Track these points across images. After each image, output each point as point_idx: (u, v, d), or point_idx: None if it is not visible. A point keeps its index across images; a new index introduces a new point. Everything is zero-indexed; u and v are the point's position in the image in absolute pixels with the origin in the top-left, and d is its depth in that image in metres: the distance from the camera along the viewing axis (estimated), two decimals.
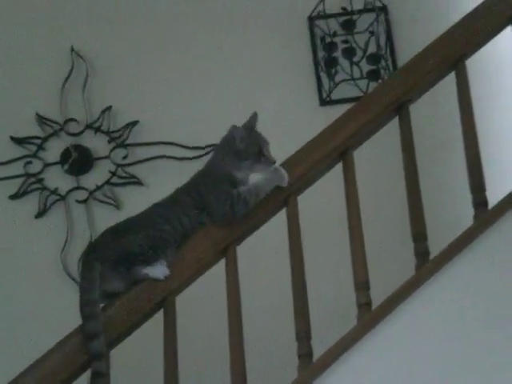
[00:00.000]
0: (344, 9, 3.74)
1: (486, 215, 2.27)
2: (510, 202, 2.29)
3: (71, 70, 3.69)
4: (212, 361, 2.96)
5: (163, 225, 2.17)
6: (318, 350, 2.17)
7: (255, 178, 2.27)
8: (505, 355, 2.15)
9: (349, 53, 3.70)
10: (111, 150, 3.63)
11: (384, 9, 3.77)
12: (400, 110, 2.38)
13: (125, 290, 2.13)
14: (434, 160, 3.44)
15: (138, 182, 3.59)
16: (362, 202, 2.31)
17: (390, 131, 2.44)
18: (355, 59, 3.70)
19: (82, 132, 3.65)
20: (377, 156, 3.32)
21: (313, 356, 2.18)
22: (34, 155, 3.61)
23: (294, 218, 2.28)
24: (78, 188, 3.59)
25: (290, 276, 2.25)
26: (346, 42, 3.72)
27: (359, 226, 2.28)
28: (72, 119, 3.66)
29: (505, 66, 3.61)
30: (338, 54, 3.71)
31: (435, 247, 2.25)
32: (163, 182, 3.44)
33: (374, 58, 3.70)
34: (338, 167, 2.36)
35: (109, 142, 3.64)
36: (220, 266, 2.25)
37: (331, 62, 3.70)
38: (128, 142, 3.64)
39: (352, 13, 3.73)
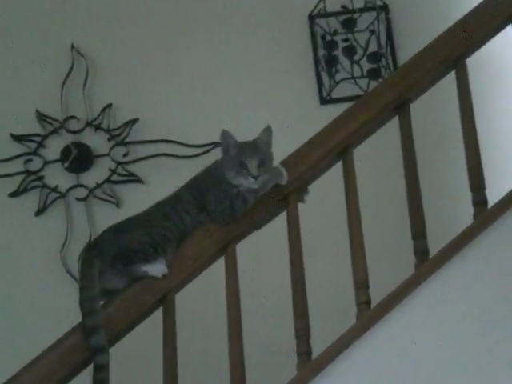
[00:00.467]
0: (344, 7, 3.74)
1: (485, 214, 2.27)
2: (510, 200, 2.29)
3: (71, 68, 3.69)
4: (211, 358, 2.96)
5: (164, 222, 2.18)
6: (317, 348, 2.17)
7: None
8: (505, 354, 2.15)
9: (349, 51, 3.70)
10: (111, 148, 3.63)
11: (385, 7, 3.77)
12: (400, 108, 2.38)
13: (124, 287, 2.13)
14: (434, 159, 3.44)
15: (138, 180, 3.59)
16: (361, 200, 2.31)
17: (390, 130, 2.44)
18: (356, 58, 3.70)
19: (82, 129, 3.65)
20: (377, 155, 3.32)
21: (312, 354, 2.18)
22: (34, 153, 3.61)
23: (294, 216, 2.28)
24: (78, 186, 3.59)
25: (289, 274, 2.25)
26: (346, 40, 3.72)
27: (359, 225, 2.27)
28: (72, 117, 3.66)
29: (505, 65, 3.61)
30: (338, 52, 3.71)
31: (435, 246, 2.25)
32: (163, 179, 3.45)
33: (375, 57, 3.70)
34: (338, 166, 2.36)
35: (109, 139, 3.64)
36: (220, 264, 2.25)
37: (332, 61, 3.70)
38: (128, 139, 3.64)
39: (353, 11, 3.73)
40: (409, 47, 3.29)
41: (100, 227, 3.39)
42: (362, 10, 3.74)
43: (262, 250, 3.23)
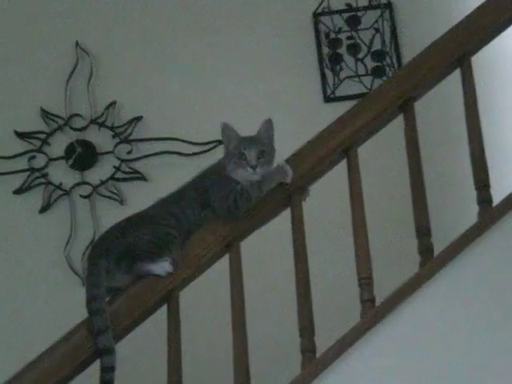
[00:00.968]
0: (349, 5, 3.74)
1: (490, 212, 2.27)
2: None
3: (76, 65, 3.70)
4: (215, 356, 2.97)
5: (169, 220, 2.18)
6: (322, 346, 2.18)
7: None
8: (509, 353, 2.14)
9: (353, 49, 3.69)
10: (115, 146, 3.63)
11: (389, 5, 3.77)
12: (405, 106, 2.38)
13: (128, 284, 2.13)
14: (439, 156, 3.44)
15: (142, 178, 3.59)
16: (365, 198, 2.31)
17: (394, 128, 2.44)
18: (360, 56, 3.70)
19: (86, 127, 3.65)
20: (381, 152, 3.32)
21: (316, 352, 2.18)
22: (39, 150, 3.62)
23: (298, 214, 2.28)
24: (82, 183, 3.59)
25: (293, 271, 2.25)
26: (350, 38, 3.71)
27: (363, 222, 2.27)
28: (76, 114, 3.66)
29: (510, 63, 3.60)
30: (342, 50, 3.71)
31: (439, 244, 2.25)
32: (167, 177, 3.45)
33: (379, 55, 3.69)
34: (343, 163, 2.36)
35: (113, 137, 3.65)
36: (224, 262, 2.25)
37: (336, 59, 3.70)
38: (132, 137, 3.64)
39: (357, 9, 3.73)
40: (413, 45, 3.28)
41: (104, 224, 3.39)
42: (366, 8, 3.73)
43: (267, 248, 3.23)
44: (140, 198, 3.21)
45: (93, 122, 3.65)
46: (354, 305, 2.27)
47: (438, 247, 2.25)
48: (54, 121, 3.65)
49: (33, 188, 3.58)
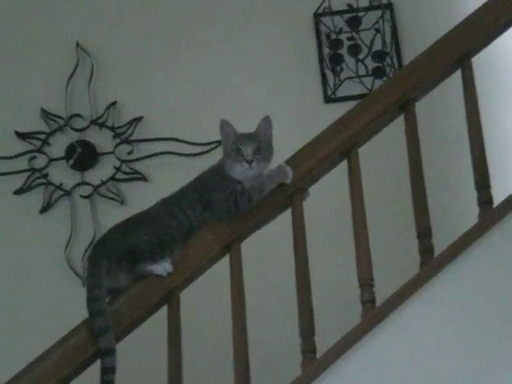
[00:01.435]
0: (350, 6, 3.74)
1: (491, 213, 2.27)
2: None
3: (76, 66, 3.70)
4: (215, 356, 2.97)
5: (170, 221, 2.18)
6: (322, 346, 2.18)
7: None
8: (509, 354, 2.14)
9: (354, 50, 3.69)
10: (116, 146, 3.63)
11: (390, 6, 3.77)
12: (405, 107, 2.38)
13: (129, 284, 2.13)
14: (440, 157, 3.44)
15: (142, 178, 3.59)
16: (366, 198, 2.31)
17: (395, 128, 2.43)
18: (360, 56, 3.70)
19: (86, 127, 3.65)
20: (382, 153, 3.31)
21: (316, 352, 2.18)
22: (39, 150, 3.62)
23: (299, 215, 2.28)
24: (82, 183, 3.59)
25: (294, 272, 2.25)
26: (351, 39, 3.72)
27: (364, 223, 2.27)
28: (77, 114, 3.66)
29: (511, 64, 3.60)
30: (343, 51, 3.71)
31: (440, 245, 2.25)
32: (168, 177, 3.46)
33: (380, 56, 3.69)
34: (343, 164, 2.36)
35: (113, 137, 3.65)
36: (224, 262, 2.25)
37: (336, 59, 3.70)
38: (133, 137, 3.64)
39: (358, 10, 3.72)
40: (414, 46, 3.29)
41: (104, 225, 3.40)
42: (367, 9, 3.73)
43: (267, 248, 3.23)
44: (140, 199, 3.20)
45: (93, 122, 3.65)
46: (354, 306, 2.26)
47: (439, 248, 2.25)
48: (54, 121, 3.65)
49: (33, 188, 3.58)
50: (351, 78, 3.69)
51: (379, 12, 3.73)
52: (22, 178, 3.57)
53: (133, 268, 2.12)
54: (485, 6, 2.43)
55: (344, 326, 2.19)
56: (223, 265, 2.25)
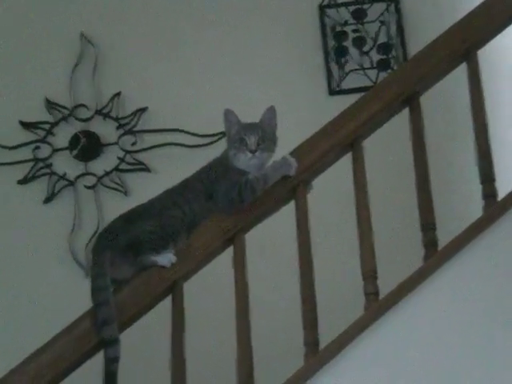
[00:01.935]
0: None
1: (495, 206, 2.27)
2: None
3: (81, 56, 3.70)
4: (219, 348, 2.97)
5: (174, 211, 2.18)
6: (325, 338, 2.18)
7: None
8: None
9: (359, 42, 3.69)
10: (120, 137, 3.63)
11: None
12: (410, 100, 2.37)
13: (133, 275, 2.14)
14: (444, 150, 3.44)
15: (146, 169, 3.60)
16: (370, 191, 2.31)
17: (400, 121, 2.43)
18: (365, 49, 3.69)
19: (91, 118, 3.65)
20: (386, 146, 3.31)
21: (319, 345, 2.18)
22: (43, 140, 3.62)
23: (303, 207, 2.28)
24: (86, 174, 3.60)
25: (297, 264, 2.25)
26: (356, 31, 3.71)
27: (368, 216, 2.27)
28: (81, 105, 3.66)
29: None
30: (348, 43, 3.70)
31: (444, 238, 2.25)
32: (171, 168, 3.46)
33: (385, 48, 3.69)
34: (348, 157, 2.36)
35: (117, 128, 3.65)
36: (228, 254, 2.25)
37: (341, 52, 3.69)
38: (137, 128, 3.64)
39: (363, 2, 3.72)
40: (419, 38, 3.29)
41: (108, 215, 3.39)
42: (372, 1, 3.73)
43: (271, 240, 3.23)
44: (144, 190, 3.19)
45: (97, 112, 3.65)
46: (357, 298, 2.26)
47: (443, 241, 2.25)
48: (58, 111, 3.65)
49: (37, 178, 3.58)
50: (356, 70, 3.68)
51: (384, 4, 3.73)
52: (26, 168, 3.58)
53: (136, 258, 2.12)
54: None
55: (347, 318, 2.19)
56: (227, 256, 2.25)
